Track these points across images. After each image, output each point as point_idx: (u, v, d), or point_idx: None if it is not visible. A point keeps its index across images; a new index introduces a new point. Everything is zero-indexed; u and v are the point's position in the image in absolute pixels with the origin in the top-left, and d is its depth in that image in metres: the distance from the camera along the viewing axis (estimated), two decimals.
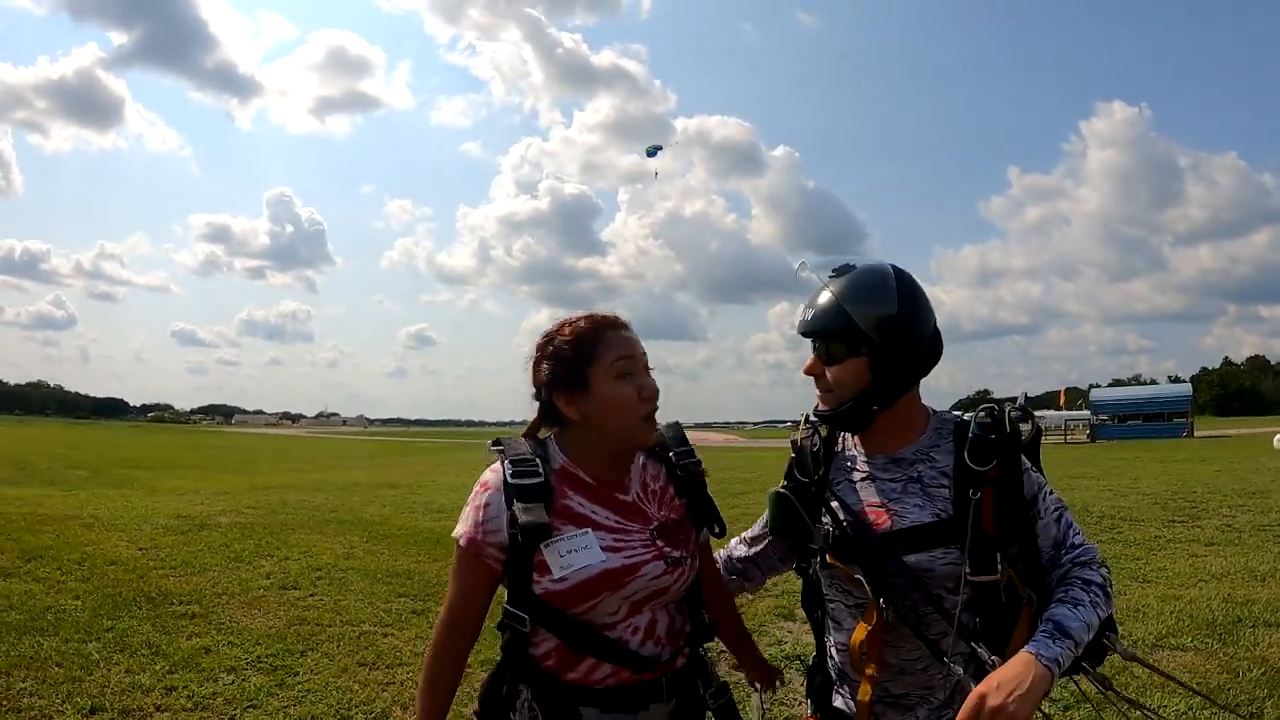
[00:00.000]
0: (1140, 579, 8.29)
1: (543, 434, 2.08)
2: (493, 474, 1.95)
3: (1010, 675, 1.64)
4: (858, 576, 1.92)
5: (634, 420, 1.94)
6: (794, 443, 2.17)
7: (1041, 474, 2.00)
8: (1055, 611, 1.79)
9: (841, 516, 2.00)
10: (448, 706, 1.97)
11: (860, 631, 1.92)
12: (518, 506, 1.86)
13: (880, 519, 1.94)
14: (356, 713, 5.02)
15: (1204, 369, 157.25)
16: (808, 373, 2.03)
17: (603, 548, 1.89)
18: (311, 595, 7.99)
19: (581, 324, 1.98)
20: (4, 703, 4.99)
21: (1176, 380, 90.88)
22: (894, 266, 2.03)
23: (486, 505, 1.91)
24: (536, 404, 2.06)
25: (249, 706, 5.07)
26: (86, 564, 9.05)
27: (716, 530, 2.12)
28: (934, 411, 2.07)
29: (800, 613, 5.90)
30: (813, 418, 2.10)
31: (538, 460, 1.94)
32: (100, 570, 8.77)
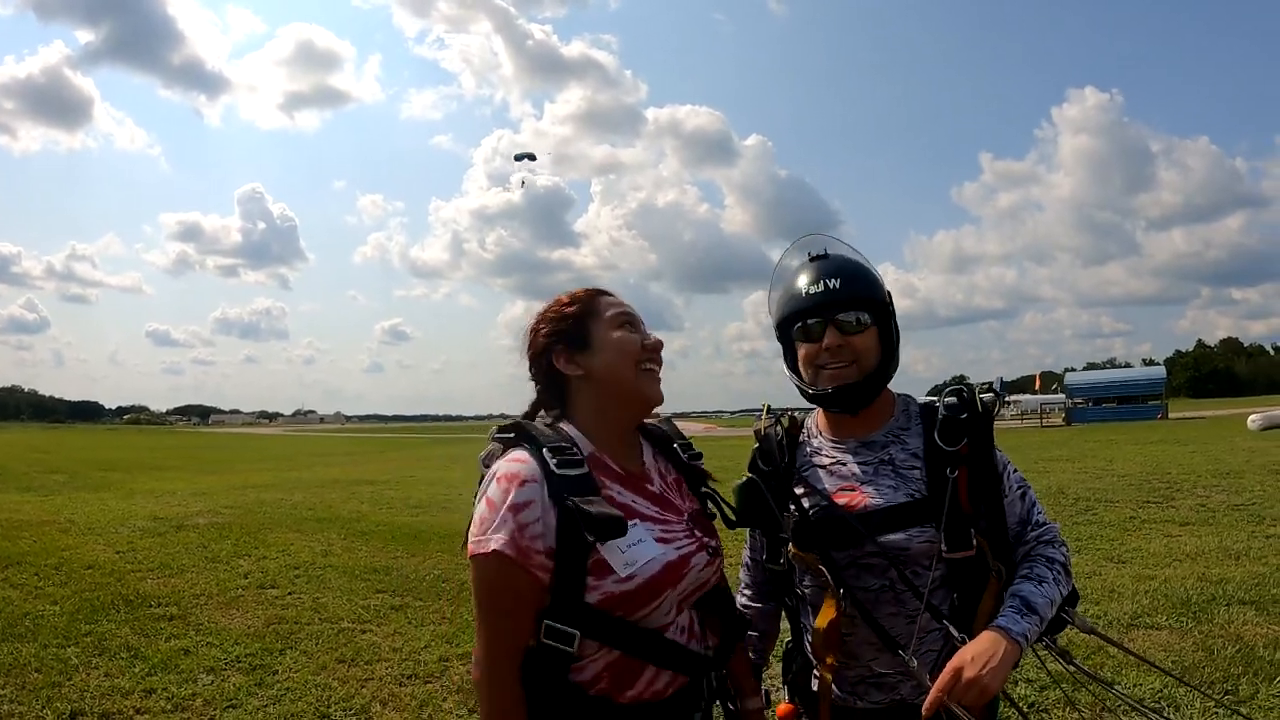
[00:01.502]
0: (1115, 559, 8.38)
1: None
2: (523, 465, 1.64)
3: (982, 649, 1.70)
4: (820, 566, 1.95)
5: (633, 369, 1.79)
6: (757, 432, 2.17)
7: (1003, 452, 2.03)
8: (1021, 588, 1.85)
9: (807, 504, 2.01)
10: None
11: (822, 620, 1.94)
12: (576, 501, 1.59)
13: (853, 500, 1.95)
14: (336, 709, 5.02)
15: (1178, 351, 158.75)
16: (827, 349, 1.96)
17: (655, 540, 1.70)
18: (290, 594, 7.97)
19: (579, 291, 1.90)
20: None
21: (1151, 363, 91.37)
22: None
23: (528, 504, 1.59)
24: (533, 385, 1.91)
25: (229, 706, 5.05)
26: (64, 569, 9.01)
27: (732, 520, 2.01)
28: (899, 396, 2.10)
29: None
30: (815, 399, 2.05)
31: (577, 449, 1.70)
32: (78, 574, 8.72)
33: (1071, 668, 2.02)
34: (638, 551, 1.64)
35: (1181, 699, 4.64)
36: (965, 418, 1.93)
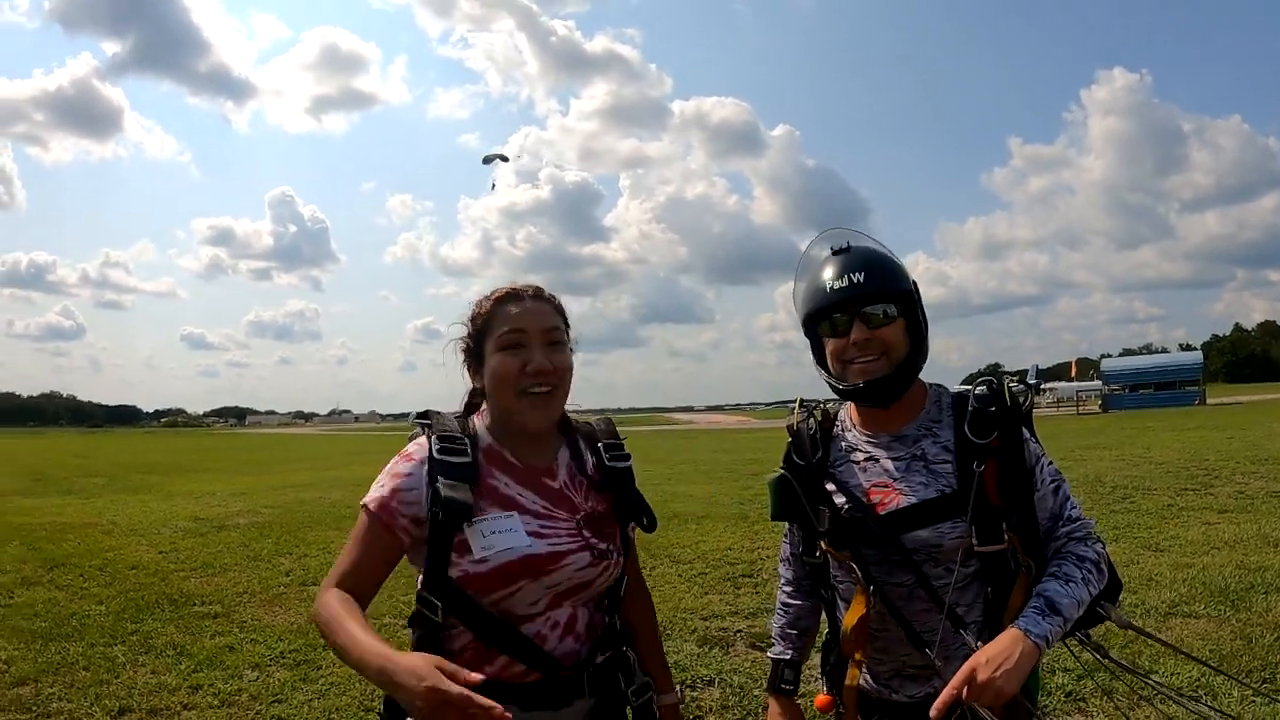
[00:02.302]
0: (1153, 548, 8.33)
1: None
2: (417, 447, 1.86)
3: (999, 650, 1.69)
4: (851, 563, 1.98)
5: (510, 394, 1.86)
6: (790, 427, 2.18)
7: (1039, 445, 2.02)
8: (1047, 586, 1.83)
9: (839, 500, 2.02)
10: (367, 624, 1.66)
11: (851, 617, 1.98)
12: (442, 483, 1.77)
13: (886, 498, 1.96)
14: (380, 703, 5.05)
15: (1215, 336, 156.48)
16: (855, 344, 1.96)
17: (528, 532, 1.79)
18: None
19: (486, 299, 1.96)
20: (34, 708, 5.08)
21: (1187, 348, 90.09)
22: None
23: (407, 475, 1.82)
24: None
25: (274, 701, 5.16)
26: (108, 569, 9.19)
27: (645, 523, 2.02)
28: (931, 386, 2.09)
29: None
30: (846, 394, 2.05)
31: (466, 439, 1.86)
32: (122, 575, 8.90)
33: (1107, 661, 2.01)
34: (499, 539, 1.76)
35: (1219, 688, 4.61)
36: (995, 410, 1.92)
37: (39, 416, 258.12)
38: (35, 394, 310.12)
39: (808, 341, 2.13)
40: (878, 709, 2.08)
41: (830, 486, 2.05)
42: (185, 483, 21.76)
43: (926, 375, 2.07)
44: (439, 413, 1.94)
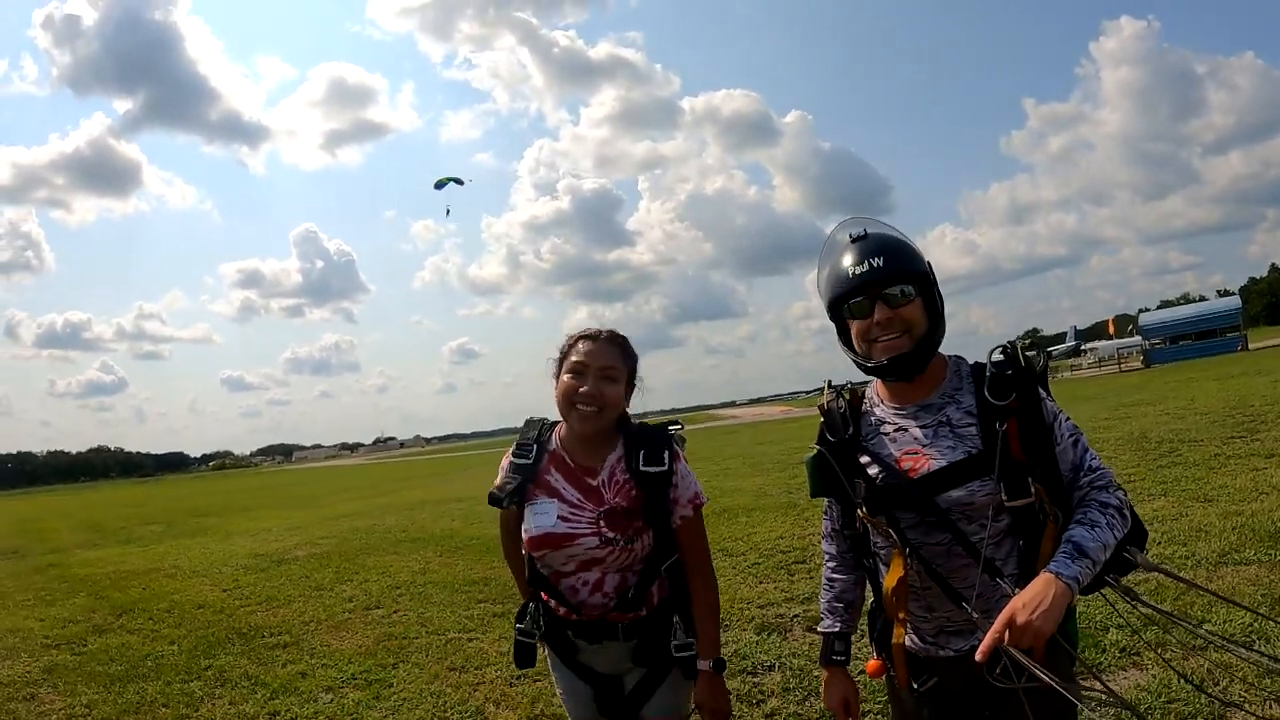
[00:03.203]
0: (1202, 499, 8.30)
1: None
2: (509, 453, 2.69)
3: (1033, 594, 1.82)
4: (887, 528, 2.13)
5: (566, 407, 2.55)
6: (821, 407, 2.36)
7: (1055, 403, 2.16)
8: (1074, 533, 1.96)
9: (873, 471, 2.18)
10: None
11: (891, 579, 2.12)
12: (509, 476, 2.63)
13: (918, 464, 2.12)
14: (453, 714, 5.28)
15: (1252, 279, 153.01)
16: (878, 324, 2.11)
17: (557, 516, 2.52)
18: (395, 612, 8.27)
19: (571, 336, 2.64)
20: None
21: (1225, 294, 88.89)
22: None
23: (503, 470, 2.66)
24: None
25: None
26: (176, 611, 9.40)
27: (676, 522, 2.57)
28: (950, 358, 2.25)
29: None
30: (873, 370, 2.20)
31: (535, 446, 2.65)
32: (190, 615, 9.10)
33: (1135, 604, 2.11)
34: (536, 518, 2.54)
35: (1272, 632, 4.65)
36: (1011, 373, 2.07)
37: (89, 471, 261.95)
38: (84, 449, 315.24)
39: (834, 326, 2.28)
40: (925, 667, 2.23)
41: (864, 459, 2.21)
42: (240, 522, 22.05)
43: (963, 347, 2.25)
44: (535, 421, 2.74)
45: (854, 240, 2.18)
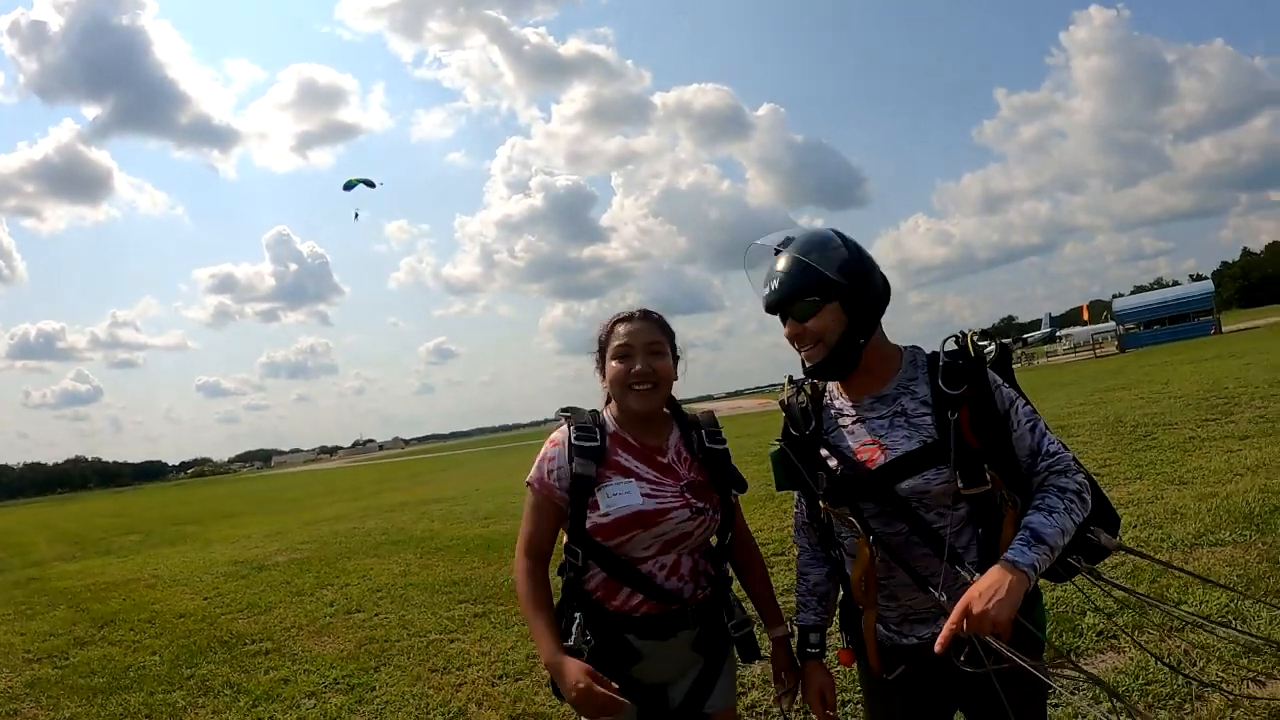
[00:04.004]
0: (1177, 481, 8.38)
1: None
2: (560, 434, 2.53)
3: (989, 583, 1.86)
4: (850, 518, 2.18)
5: (620, 389, 2.51)
6: (782, 403, 2.43)
7: (1016, 390, 2.20)
8: (1031, 519, 2.00)
9: (833, 463, 2.23)
10: (553, 618, 2.42)
11: (857, 568, 2.18)
12: (576, 461, 2.45)
13: (874, 455, 2.16)
14: (435, 715, 5.28)
15: (1224, 263, 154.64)
16: (792, 338, 2.23)
17: (641, 494, 2.41)
18: (376, 615, 8.24)
19: (607, 322, 2.60)
20: None
21: (1198, 278, 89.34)
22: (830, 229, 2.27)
23: (553, 458, 2.50)
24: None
25: None
26: (157, 621, 9.32)
27: (738, 489, 2.60)
28: (906, 348, 2.30)
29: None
30: (804, 375, 2.31)
31: (596, 429, 2.52)
32: (171, 625, 9.04)
33: (1102, 586, 2.20)
34: (619, 499, 2.40)
35: (1248, 612, 4.71)
36: (962, 363, 2.11)
37: (67, 482, 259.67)
38: (61, 460, 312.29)
39: None
40: (891, 654, 2.27)
41: (824, 452, 2.26)
42: (220, 529, 21.94)
43: (938, 337, 2.24)
44: (577, 408, 2.64)
45: (772, 254, 2.28)
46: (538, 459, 2.53)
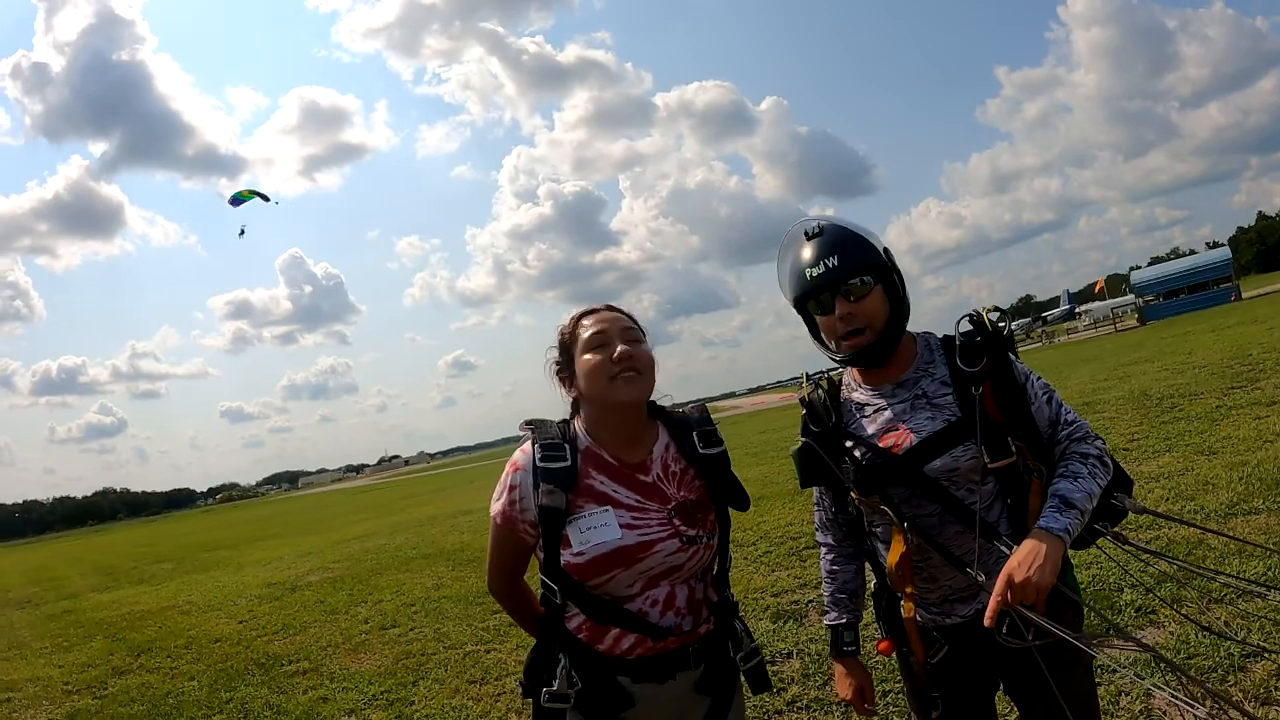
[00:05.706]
0: (1206, 452, 8.32)
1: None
2: (523, 455, 2.17)
3: (1027, 552, 1.87)
4: (882, 506, 2.18)
5: (603, 380, 2.11)
6: (801, 399, 2.40)
7: (1025, 365, 2.22)
8: (1058, 486, 2.03)
9: (858, 453, 2.22)
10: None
11: (893, 556, 2.17)
12: (542, 489, 2.08)
13: (900, 440, 2.17)
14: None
15: (1240, 228, 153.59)
16: (840, 319, 2.16)
17: (620, 525, 2.07)
18: (411, 629, 8.27)
19: (568, 321, 2.26)
20: None
21: (1214, 245, 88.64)
22: None
23: (515, 486, 2.14)
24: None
25: None
26: (193, 647, 9.38)
27: (738, 504, 2.27)
28: (919, 334, 2.32)
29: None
30: (841, 363, 2.29)
31: (565, 445, 2.14)
32: (208, 650, 9.09)
33: (1127, 548, 2.22)
34: (594, 534, 2.05)
35: None
36: (979, 339, 2.14)
37: (96, 514, 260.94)
38: (89, 493, 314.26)
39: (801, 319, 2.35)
40: (935, 638, 2.27)
41: (848, 444, 2.25)
42: (252, 553, 22.01)
43: (952, 320, 2.24)
44: (543, 421, 2.24)
45: (810, 237, 2.22)
46: (500, 486, 2.18)
